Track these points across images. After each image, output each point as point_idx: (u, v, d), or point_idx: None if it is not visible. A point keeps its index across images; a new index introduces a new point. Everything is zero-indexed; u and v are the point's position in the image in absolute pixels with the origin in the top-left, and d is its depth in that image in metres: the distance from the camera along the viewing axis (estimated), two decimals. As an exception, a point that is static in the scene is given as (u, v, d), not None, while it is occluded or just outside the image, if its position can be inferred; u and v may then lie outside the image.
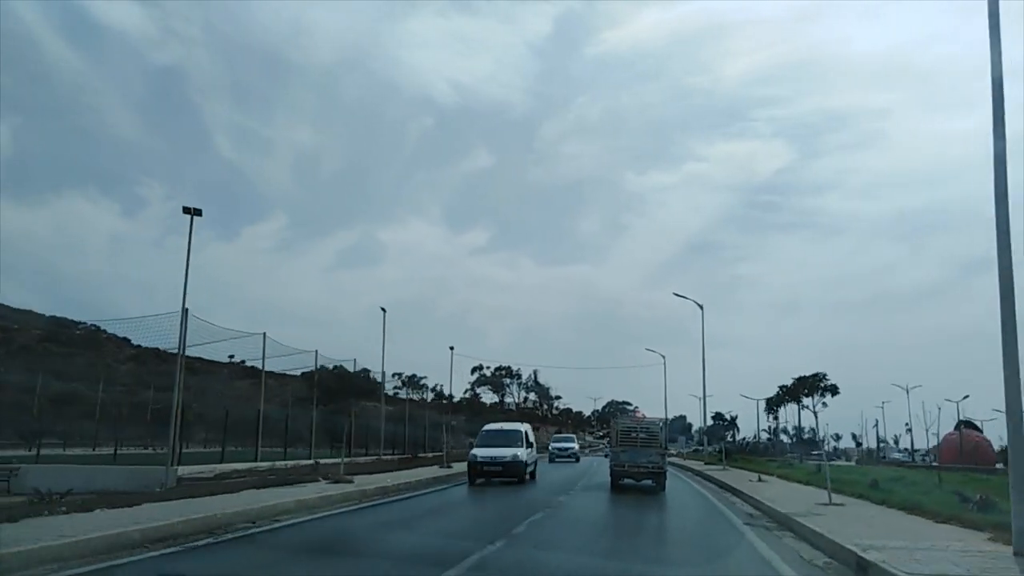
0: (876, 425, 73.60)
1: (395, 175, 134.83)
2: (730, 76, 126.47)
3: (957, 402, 53.61)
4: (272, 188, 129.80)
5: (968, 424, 53.05)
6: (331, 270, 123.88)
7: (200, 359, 34.34)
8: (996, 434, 49.60)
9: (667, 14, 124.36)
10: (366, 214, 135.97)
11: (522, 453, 23.25)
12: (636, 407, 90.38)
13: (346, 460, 23.35)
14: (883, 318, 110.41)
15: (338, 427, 35.63)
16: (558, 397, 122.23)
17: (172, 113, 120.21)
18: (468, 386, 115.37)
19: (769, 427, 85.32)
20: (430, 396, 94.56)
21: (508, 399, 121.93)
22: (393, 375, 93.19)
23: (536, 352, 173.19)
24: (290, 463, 27.19)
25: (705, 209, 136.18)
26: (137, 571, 7.72)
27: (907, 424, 70.38)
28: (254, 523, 11.53)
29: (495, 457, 22.70)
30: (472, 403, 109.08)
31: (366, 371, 44.06)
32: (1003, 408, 9.09)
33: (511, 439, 24.06)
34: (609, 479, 21.85)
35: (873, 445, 77.11)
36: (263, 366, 29.44)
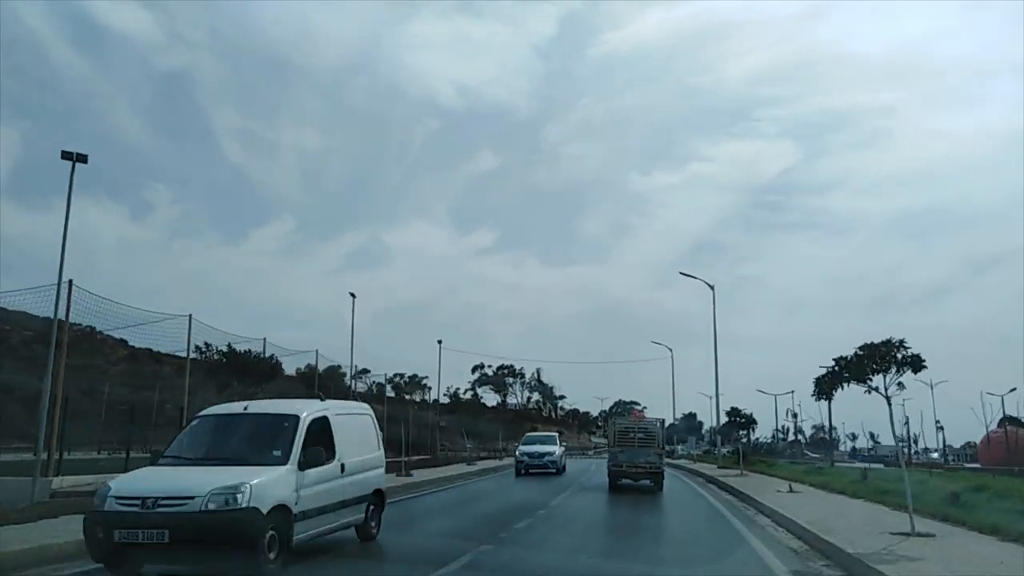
0: (907, 422, 68.12)
1: (401, 177, 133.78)
2: (734, 76, 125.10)
3: (1002, 396, 47.92)
4: (278, 192, 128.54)
5: (1012, 420, 47.57)
6: (337, 273, 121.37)
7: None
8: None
9: (670, 14, 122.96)
10: (372, 217, 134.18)
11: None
12: (644, 407, 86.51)
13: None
14: (891, 316, 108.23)
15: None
16: (562, 397, 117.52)
17: (179, 117, 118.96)
18: (468, 385, 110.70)
19: (783, 427, 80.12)
20: (431, 397, 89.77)
21: (511, 400, 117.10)
22: (395, 375, 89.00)
23: (542, 353, 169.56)
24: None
25: (710, 209, 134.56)
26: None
27: (938, 422, 65.30)
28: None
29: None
30: (472, 403, 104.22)
31: (337, 366, 40.86)
32: None
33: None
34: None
35: (893, 443, 71.66)
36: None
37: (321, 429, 8.82)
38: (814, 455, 52.49)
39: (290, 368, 33.28)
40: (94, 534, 7.15)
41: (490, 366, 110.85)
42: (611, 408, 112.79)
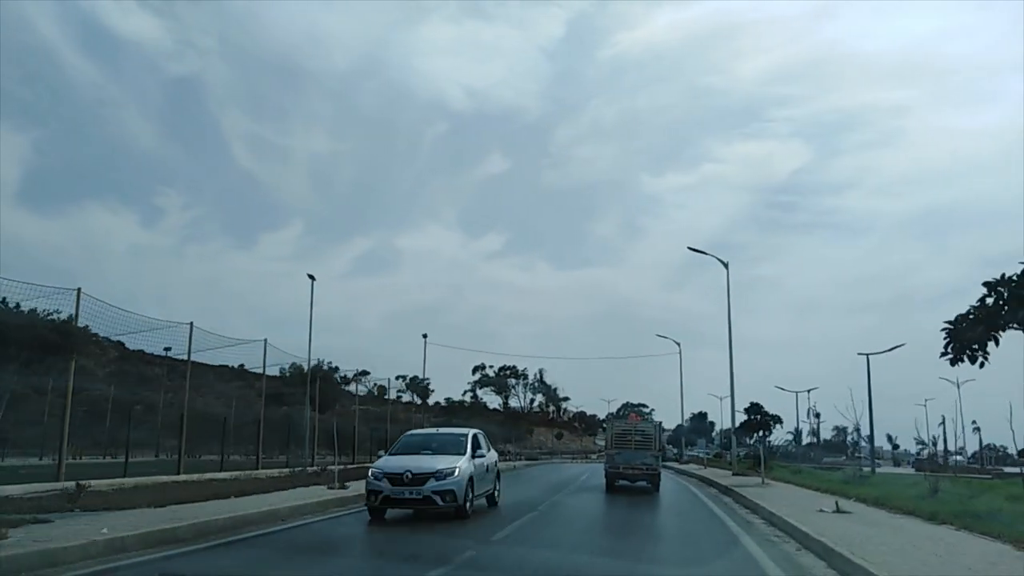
0: (943, 423, 62.77)
1: (411, 181, 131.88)
2: (746, 76, 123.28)
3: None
4: (289, 196, 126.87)
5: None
6: (348, 277, 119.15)
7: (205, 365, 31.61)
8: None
9: (680, 15, 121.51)
10: (382, 220, 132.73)
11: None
12: (652, 410, 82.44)
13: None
14: (906, 316, 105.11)
15: (299, 428, 31.75)
16: (566, 399, 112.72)
17: (189, 123, 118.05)
18: (468, 387, 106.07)
19: (796, 429, 74.75)
20: (431, 399, 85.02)
21: (513, 402, 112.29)
22: (397, 377, 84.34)
23: (552, 356, 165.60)
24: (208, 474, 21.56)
25: (723, 210, 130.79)
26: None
27: (974, 423, 60.40)
28: None
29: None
30: (471, 406, 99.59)
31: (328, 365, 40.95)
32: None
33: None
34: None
35: (910, 448, 66.73)
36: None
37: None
38: (845, 458, 47.39)
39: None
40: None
41: (491, 366, 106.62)
42: (618, 410, 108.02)
